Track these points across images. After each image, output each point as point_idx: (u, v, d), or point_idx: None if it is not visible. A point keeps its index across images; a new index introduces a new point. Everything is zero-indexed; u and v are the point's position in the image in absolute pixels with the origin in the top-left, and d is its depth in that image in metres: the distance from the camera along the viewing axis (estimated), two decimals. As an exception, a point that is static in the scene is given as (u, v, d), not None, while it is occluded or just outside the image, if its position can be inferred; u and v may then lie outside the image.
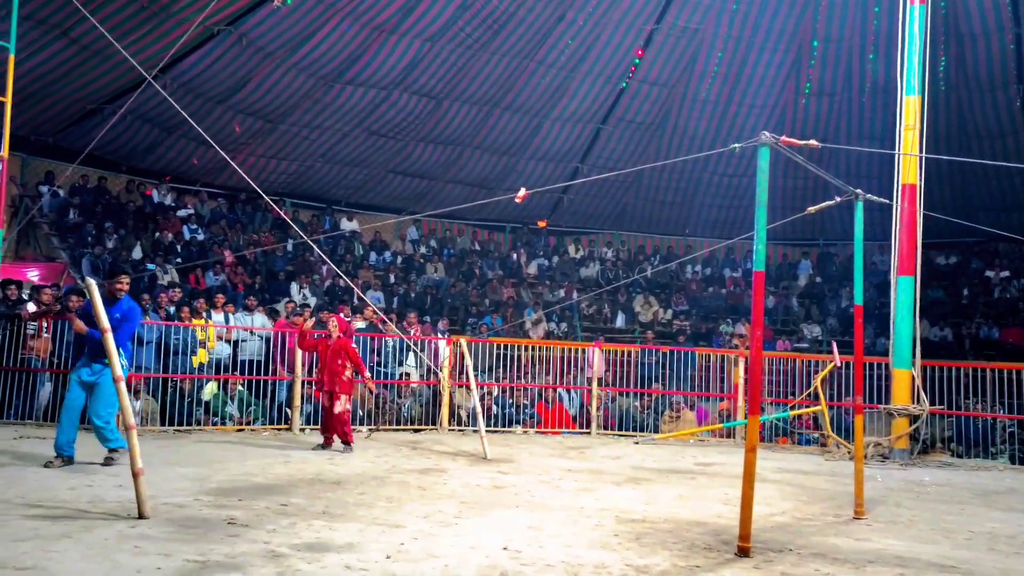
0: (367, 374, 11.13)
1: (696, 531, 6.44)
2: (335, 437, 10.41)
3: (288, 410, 12.37)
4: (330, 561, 5.00)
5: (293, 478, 8.06)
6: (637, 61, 20.85)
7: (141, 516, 5.85)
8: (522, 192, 8.31)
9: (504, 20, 18.69)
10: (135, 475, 5.96)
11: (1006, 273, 21.01)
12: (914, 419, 11.90)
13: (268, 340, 13.15)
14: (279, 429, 12.20)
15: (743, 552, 5.66)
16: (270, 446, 10.51)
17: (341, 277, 15.80)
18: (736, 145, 6.49)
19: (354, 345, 11.07)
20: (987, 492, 9.28)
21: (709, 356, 15.00)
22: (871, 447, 11.78)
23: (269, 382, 12.61)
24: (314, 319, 12.01)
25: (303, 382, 12.23)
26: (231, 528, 5.73)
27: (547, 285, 22.30)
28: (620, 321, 21.47)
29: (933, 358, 14.33)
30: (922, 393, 12.08)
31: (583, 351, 15.13)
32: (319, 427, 10.93)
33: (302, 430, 12.15)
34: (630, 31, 20.06)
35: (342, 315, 12.66)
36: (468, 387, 11.67)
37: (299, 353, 12.07)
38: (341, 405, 10.41)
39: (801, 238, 24.17)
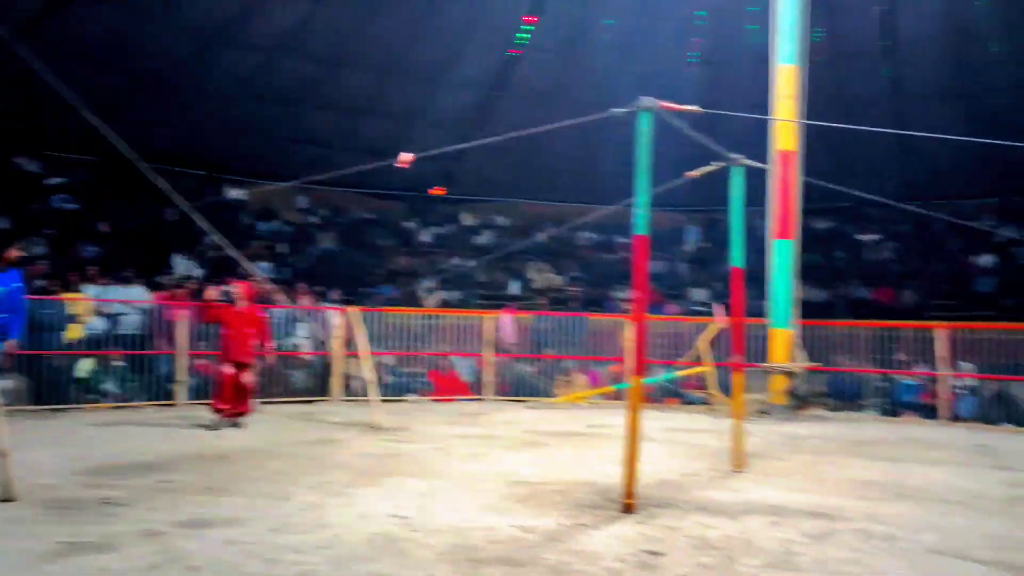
0: (271, 344, 10.77)
1: (585, 491, 6.58)
2: (240, 409, 9.98)
3: (171, 385, 11.98)
4: (212, 536, 4.90)
5: (176, 454, 7.84)
6: (528, 31, 20.82)
7: (8, 499, 5.59)
8: (406, 156, 8.20)
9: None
10: (1, 455, 5.69)
11: (877, 236, 22.04)
12: (792, 376, 12.42)
13: (149, 313, 12.68)
14: (162, 405, 11.82)
15: (628, 509, 5.82)
16: (152, 423, 10.19)
17: (227, 248, 15.31)
18: (617, 110, 6.56)
19: (263, 313, 10.72)
20: (857, 443, 9.79)
21: (601, 321, 15.26)
22: (752, 404, 12.23)
23: (150, 357, 12.17)
24: (219, 288, 11.40)
25: (187, 355, 11.87)
26: (107, 508, 5.54)
27: (442, 253, 22.22)
28: (515, 288, 21.60)
29: (810, 318, 14.98)
30: (799, 351, 12.60)
31: (479, 318, 15.16)
32: (218, 401, 10.03)
33: (187, 405, 11.80)
34: (521, -3, 20.03)
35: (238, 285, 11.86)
36: (361, 357, 11.54)
37: (182, 326, 11.67)
38: (250, 376, 10.04)
39: (690, 204, 24.71)
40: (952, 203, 21.98)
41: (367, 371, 11.22)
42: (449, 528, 5.24)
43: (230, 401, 9.95)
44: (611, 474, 7.29)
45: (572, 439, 9.75)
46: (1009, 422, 11.62)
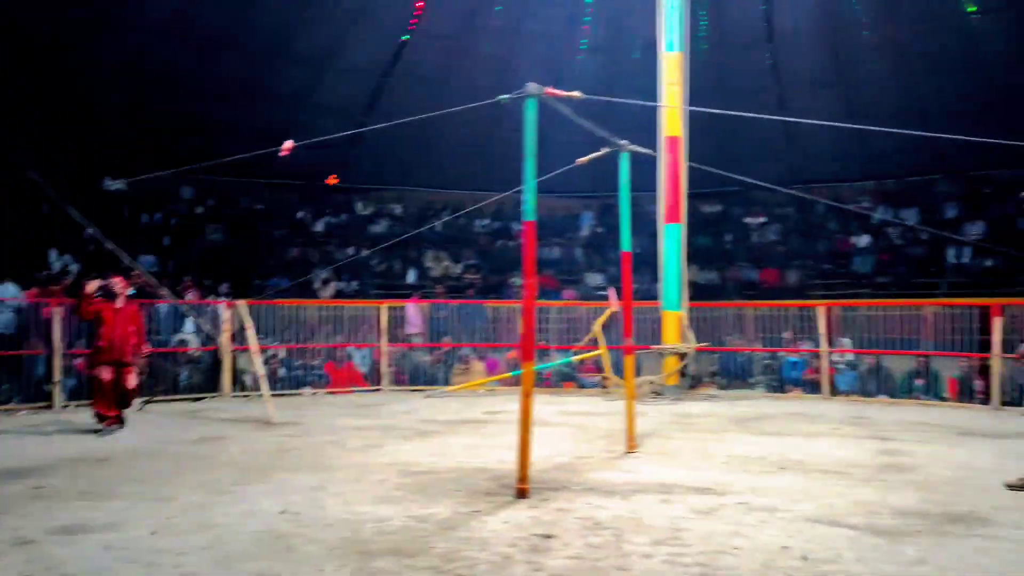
0: (147, 345, 10.24)
1: (480, 478, 6.59)
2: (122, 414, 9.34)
3: (47, 386, 11.42)
4: (89, 543, 4.70)
5: (53, 459, 7.49)
6: (416, 20, 20.65)
7: None
8: (288, 144, 8.02)
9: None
10: None
11: (763, 219, 22.79)
12: (683, 357, 12.73)
13: (21, 311, 12.04)
14: (38, 408, 11.27)
15: (521, 494, 5.85)
16: (26, 426, 9.71)
17: (105, 241, 14.70)
18: (504, 96, 6.56)
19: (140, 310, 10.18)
20: (744, 419, 10.11)
21: (499, 308, 15.31)
22: (645, 385, 12.50)
23: (24, 357, 11.56)
24: (99, 283, 10.73)
25: (64, 355, 11.33)
26: (-26, 517, 5.25)
27: (336, 243, 21.87)
28: (411, 277, 21.46)
29: (701, 300, 15.39)
30: (689, 332, 12.93)
31: (375, 308, 14.98)
32: (98, 405, 9.38)
33: (65, 407, 11.29)
34: (409, -17, 19.83)
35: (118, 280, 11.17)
36: (251, 351, 11.26)
37: (57, 324, 11.11)
38: (134, 378, 9.45)
39: (584, 190, 25.01)
40: (831, 187, 22.94)
41: (257, 365, 10.95)
42: (340, 522, 5.16)
43: (117, 406, 9.32)
44: (506, 460, 7.32)
45: (469, 426, 9.76)
46: (884, 394, 12.20)
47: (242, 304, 11.65)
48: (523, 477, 5.91)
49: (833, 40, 20.41)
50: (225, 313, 13.06)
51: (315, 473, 6.78)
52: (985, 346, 11.63)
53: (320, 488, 6.17)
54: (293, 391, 13.35)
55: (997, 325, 11.22)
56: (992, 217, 19.79)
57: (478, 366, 14.63)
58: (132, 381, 9.47)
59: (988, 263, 18.46)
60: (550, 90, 6.31)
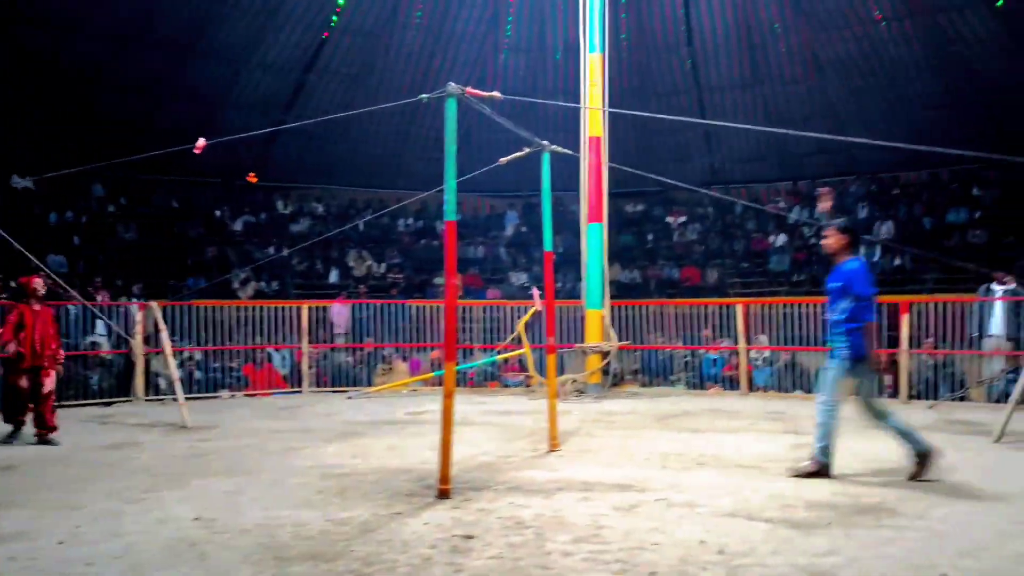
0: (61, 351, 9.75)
1: (401, 479, 6.53)
2: (40, 424, 8.71)
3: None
4: (-10, 555, 4.50)
5: (-47, 468, 7.15)
6: (336, 17, 20.40)
7: None
8: (201, 142, 7.81)
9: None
10: None
11: (683, 219, 23.20)
12: (606, 355, 12.86)
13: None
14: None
15: (443, 494, 5.82)
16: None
17: (12, 241, 14.11)
18: (425, 95, 6.52)
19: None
20: (665, 416, 10.27)
21: (422, 308, 15.23)
22: (568, 384, 12.58)
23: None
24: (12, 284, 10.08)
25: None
26: None
27: (255, 243, 21.46)
28: (334, 276, 21.19)
29: (623, 298, 15.59)
30: (612, 331, 13.07)
31: (296, 308, 14.73)
32: (5, 412, 8.89)
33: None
34: (330, -22, 19.61)
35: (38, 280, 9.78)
36: (165, 353, 10.94)
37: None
38: (51, 383, 8.86)
39: (508, 189, 25.09)
40: (749, 187, 23.52)
41: (172, 368, 10.66)
42: (257, 527, 5.05)
43: (28, 411, 8.76)
44: (428, 460, 7.28)
45: (391, 427, 9.67)
46: (799, 389, 12.54)
47: (155, 305, 11.31)
48: (445, 478, 5.88)
49: (750, 44, 20.90)
50: (138, 314, 12.67)
51: (231, 478, 6.63)
52: (894, 342, 12.05)
53: (237, 493, 6.04)
54: (210, 394, 13.04)
55: (905, 322, 11.63)
56: (900, 218, 20.52)
57: (401, 366, 14.54)
58: (48, 386, 8.86)
59: (897, 262, 19.13)
60: (471, 90, 6.29)
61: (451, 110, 6.21)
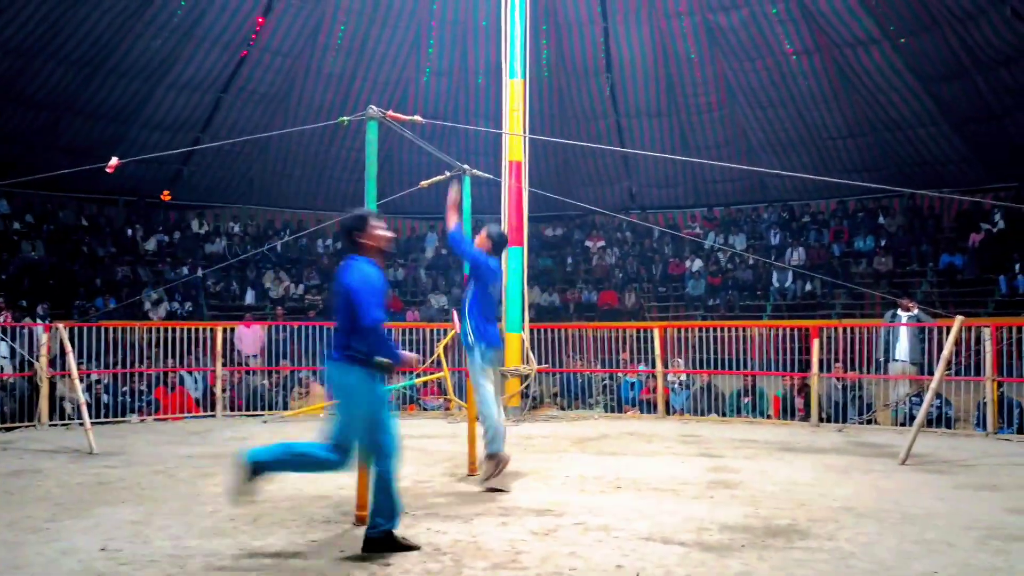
0: None
1: (317, 505, 6.42)
2: None
3: None
4: None
5: None
6: (256, 36, 20.16)
7: None
8: (113, 161, 7.59)
9: (104, -27, 17.04)
10: None
11: (602, 243, 23.52)
12: (525, 378, 12.89)
13: None
14: None
15: (360, 520, 5.74)
16: None
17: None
18: (345, 118, 6.49)
19: None
20: (583, 440, 10.32)
21: (340, 330, 15.03)
22: (487, 407, 12.55)
23: None
24: None
25: None
26: None
27: (168, 262, 20.92)
28: (250, 298, 20.78)
29: (542, 321, 15.67)
30: (531, 354, 13.12)
31: (210, 330, 14.36)
32: None
33: None
34: (247, -2, 19.37)
35: None
36: (71, 376, 10.52)
37: None
38: None
39: (429, 211, 25.06)
40: (666, 212, 24.02)
41: (78, 391, 10.26)
42: (166, 557, 4.90)
43: None
44: (345, 486, 7.15)
45: (307, 452, 9.47)
46: (714, 412, 12.77)
47: (61, 326, 10.89)
48: (362, 504, 5.80)
49: (667, 72, 21.41)
50: (43, 336, 12.17)
51: (140, 506, 6.41)
52: (805, 366, 12.39)
53: (144, 522, 5.84)
54: (118, 419, 12.59)
55: (815, 346, 11.99)
56: (810, 244, 21.22)
57: (318, 389, 14.28)
58: None
59: (807, 287, 19.75)
60: (392, 114, 6.28)
61: (372, 133, 6.18)
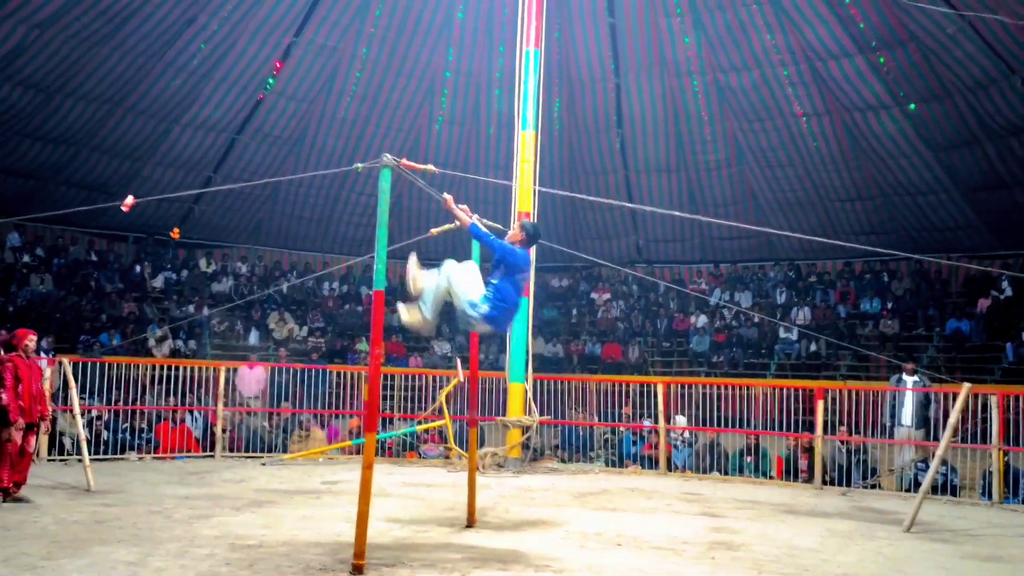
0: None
1: (314, 552, 6.35)
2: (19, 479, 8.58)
3: None
4: None
5: None
6: (273, 77, 20.49)
7: None
8: (129, 200, 7.67)
9: (127, 15, 17.30)
10: None
11: (607, 295, 23.54)
12: (526, 429, 12.82)
13: None
14: None
15: (357, 569, 5.68)
16: None
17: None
18: (359, 165, 6.56)
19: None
20: (584, 494, 10.23)
21: (343, 374, 15.02)
22: (488, 457, 12.48)
23: None
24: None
25: None
26: None
27: (175, 300, 20.96)
28: (253, 338, 20.77)
29: (546, 372, 15.62)
30: (533, 405, 13.07)
31: (212, 370, 14.32)
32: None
33: None
34: (267, 42, 19.64)
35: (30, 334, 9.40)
36: (72, 411, 10.50)
37: None
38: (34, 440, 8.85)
39: (437, 259, 25.08)
40: (672, 267, 24.08)
41: (79, 427, 10.23)
42: (159, 601, 4.84)
43: (16, 471, 8.58)
44: (343, 533, 7.10)
45: (305, 497, 9.42)
46: (717, 471, 12.66)
47: (66, 360, 10.90)
48: (360, 552, 5.74)
49: (677, 130, 21.61)
50: (47, 370, 12.16)
51: (136, 546, 6.35)
52: (809, 426, 12.31)
53: (140, 563, 5.78)
54: (118, 456, 12.52)
55: (820, 407, 11.92)
56: (816, 304, 21.20)
57: (318, 433, 14.21)
58: (34, 444, 8.88)
59: (812, 347, 19.68)
60: (405, 162, 6.35)
61: (385, 181, 6.24)
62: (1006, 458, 10.65)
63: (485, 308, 6.47)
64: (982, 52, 16.65)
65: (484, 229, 6.83)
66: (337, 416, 14.70)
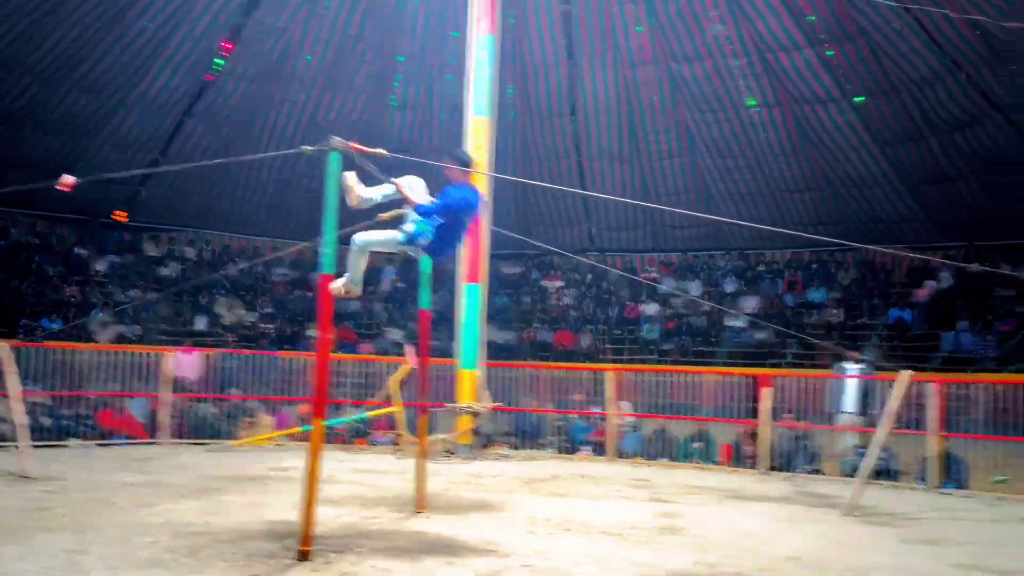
0: None
1: (260, 539, 6.28)
2: None
3: None
4: None
5: None
6: (222, 60, 20.11)
7: None
8: (69, 179, 7.44)
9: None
10: None
11: (560, 283, 23.62)
12: (477, 416, 12.82)
13: None
14: None
15: (303, 556, 5.62)
16: None
17: None
18: (308, 147, 6.47)
19: None
20: (534, 480, 10.25)
21: (293, 360, 14.85)
22: (438, 444, 12.45)
23: None
24: None
25: None
26: None
27: (119, 284, 20.54)
28: (201, 324, 20.44)
29: (497, 359, 15.62)
30: (484, 392, 13.06)
31: (157, 355, 14.05)
32: None
33: None
34: (216, 22, 19.27)
35: None
36: (10, 397, 10.22)
37: None
38: None
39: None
40: (624, 255, 24.22)
41: (17, 413, 9.96)
42: (99, 589, 4.74)
43: None
44: (289, 520, 7.01)
45: (252, 484, 9.30)
46: (665, 457, 12.79)
47: (4, 345, 10.60)
48: (306, 539, 5.68)
49: (630, 118, 21.71)
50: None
51: (76, 534, 6.21)
52: (755, 413, 12.49)
53: (80, 551, 5.65)
54: (59, 442, 12.24)
55: (766, 394, 12.09)
56: (764, 293, 21.50)
57: (266, 420, 14.05)
58: None
59: (760, 336, 19.97)
60: (355, 145, 6.26)
61: (334, 164, 6.16)
62: (946, 443, 10.91)
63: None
64: (928, 48, 16.99)
65: (426, 200, 6.78)
66: (287, 402, 14.54)
